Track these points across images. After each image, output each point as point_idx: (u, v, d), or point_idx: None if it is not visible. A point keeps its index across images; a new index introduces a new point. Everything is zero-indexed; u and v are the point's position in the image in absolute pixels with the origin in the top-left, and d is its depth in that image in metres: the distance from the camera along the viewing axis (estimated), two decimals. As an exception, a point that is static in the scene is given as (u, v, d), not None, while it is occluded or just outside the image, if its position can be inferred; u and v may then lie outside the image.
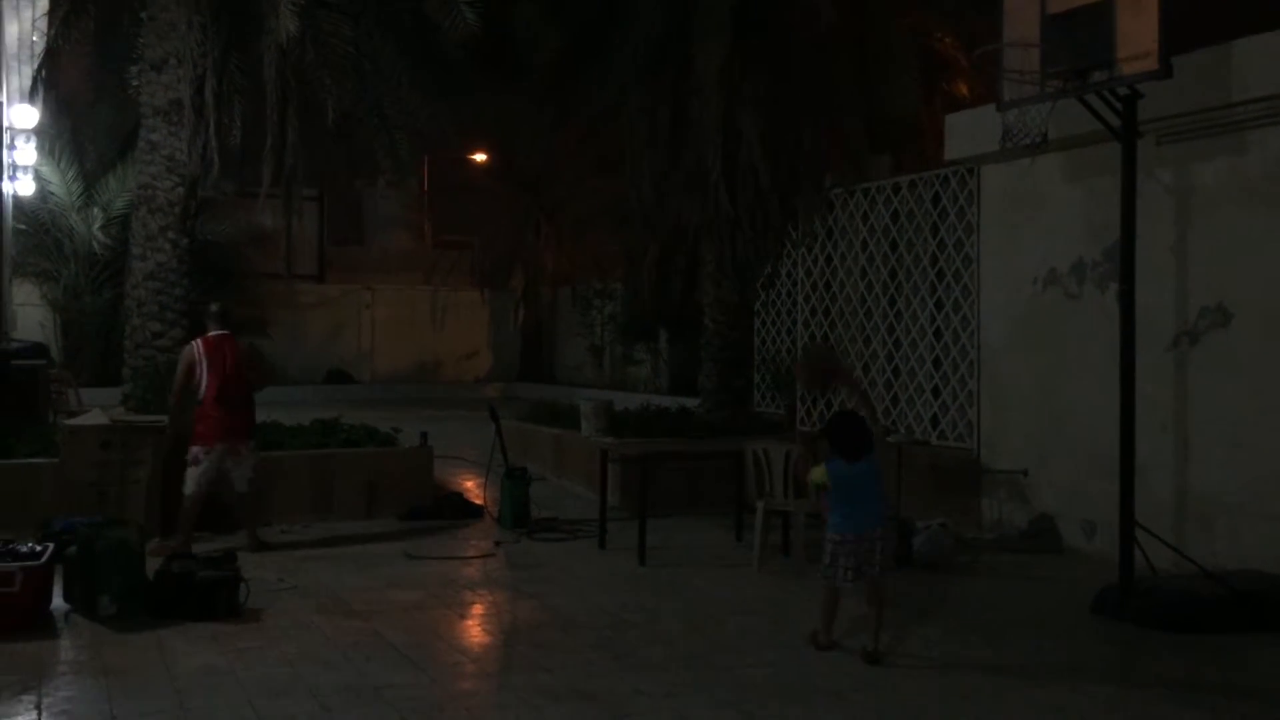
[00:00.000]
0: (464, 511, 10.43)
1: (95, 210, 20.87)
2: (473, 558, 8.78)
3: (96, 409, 10.58)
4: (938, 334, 10.94)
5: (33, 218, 19.90)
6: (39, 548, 6.66)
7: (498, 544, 9.19)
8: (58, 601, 6.73)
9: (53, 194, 20.35)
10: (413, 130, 13.76)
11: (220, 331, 8.75)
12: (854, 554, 6.15)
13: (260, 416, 10.60)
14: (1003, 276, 10.06)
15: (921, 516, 9.08)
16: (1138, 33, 6.91)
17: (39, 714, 5.03)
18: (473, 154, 28.14)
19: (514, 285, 28.00)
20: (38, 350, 12.04)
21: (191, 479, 8.41)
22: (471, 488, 11.62)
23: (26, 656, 5.86)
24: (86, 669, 5.72)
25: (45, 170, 19.31)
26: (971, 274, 10.45)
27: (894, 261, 11.59)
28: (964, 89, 17.17)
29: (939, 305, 10.96)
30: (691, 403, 14.35)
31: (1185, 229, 8.37)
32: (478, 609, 7.31)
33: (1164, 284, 8.34)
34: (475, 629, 6.94)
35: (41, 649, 6.04)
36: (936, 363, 10.93)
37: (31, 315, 20.51)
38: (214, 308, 8.95)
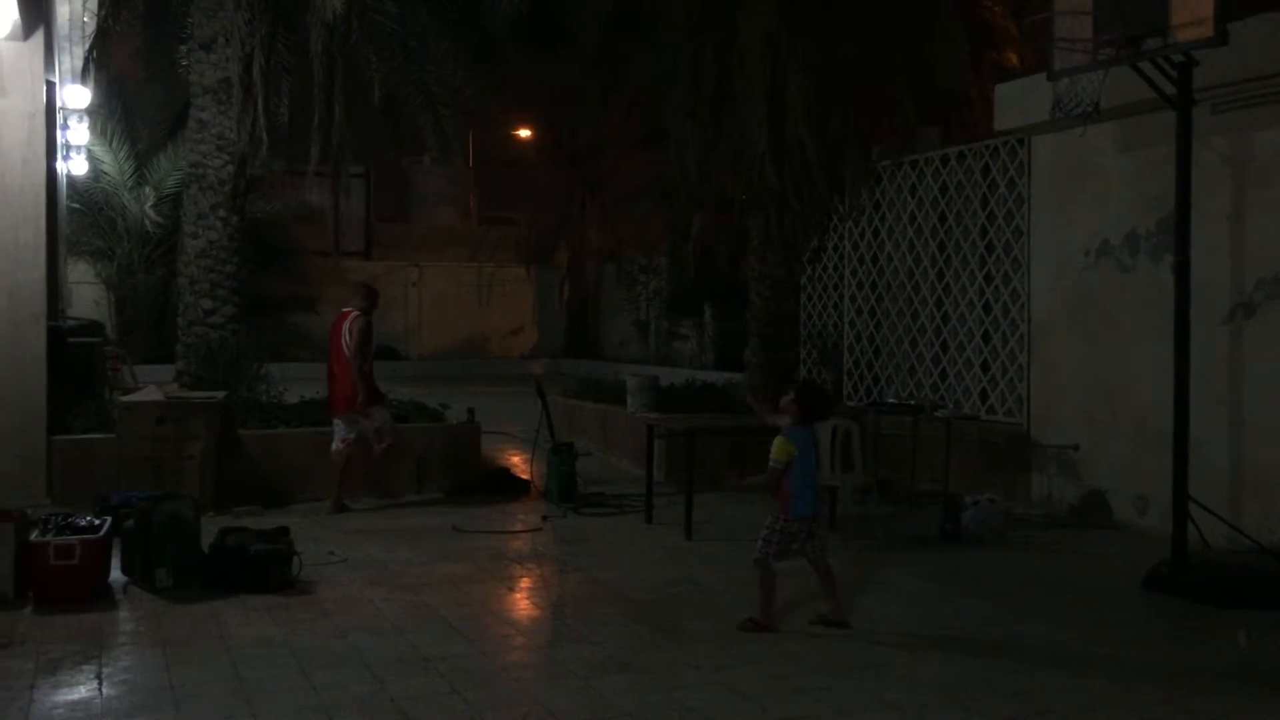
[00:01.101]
0: (511, 487, 10.51)
1: (147, 189, 21.12)
2: (520, 532, 8.84)
3: (151, 385, 10.75)
4: (987, 308, 10.82)
5: (86, 197, 20.17)
6: (97, 521, 6.79)
7: (545, 519, 9.25)
8: (116, 574, 6.88)
9: (105, 173, 20.61)
10: (458, 107, 13.82)
11: (346, 308, 9.56)
12: (801, 536, 6.08)
13: (308, 393, 10.75)
14: (1054, 249, 9.93)
15: (970, 492, 9.03)
16: (1193, -1, 6.76)
17: (99, 683, 5.14)
18: (517, 130, 28.19)
19: (559, 261, 28.06)
20: (93, 328, 12.24)
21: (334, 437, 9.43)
22: (518, 463, 11.70)
23: (87, 627, 6.00)
24: (145, 639, 5.83)
25: (98, 150, 19.55)
26: (1022, 246, 10.33)
27: (942, 234, 11.47)
28: (1014, 58, 16.90)
29: (988, 278, 10.84)
30: (737, 377, 14.33)
31: (1241, 199, 8.21)
32: (525, 582, 7.37)
33: (1219, 255, 8.20)
34: (523, 602, 6.99)
35: (101, 620, 6.17)
36: (986, 337, 10.82)
37: (86, 293, 20.83)
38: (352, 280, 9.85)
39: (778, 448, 6.08)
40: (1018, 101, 9.98)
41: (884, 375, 12.27)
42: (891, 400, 11.00)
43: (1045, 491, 9.75)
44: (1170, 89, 7.13)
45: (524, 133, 28.38)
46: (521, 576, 7.48)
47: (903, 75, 11.77)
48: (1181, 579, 6.90)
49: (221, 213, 11.69)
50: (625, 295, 26.65)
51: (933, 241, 11.59)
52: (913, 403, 10.35)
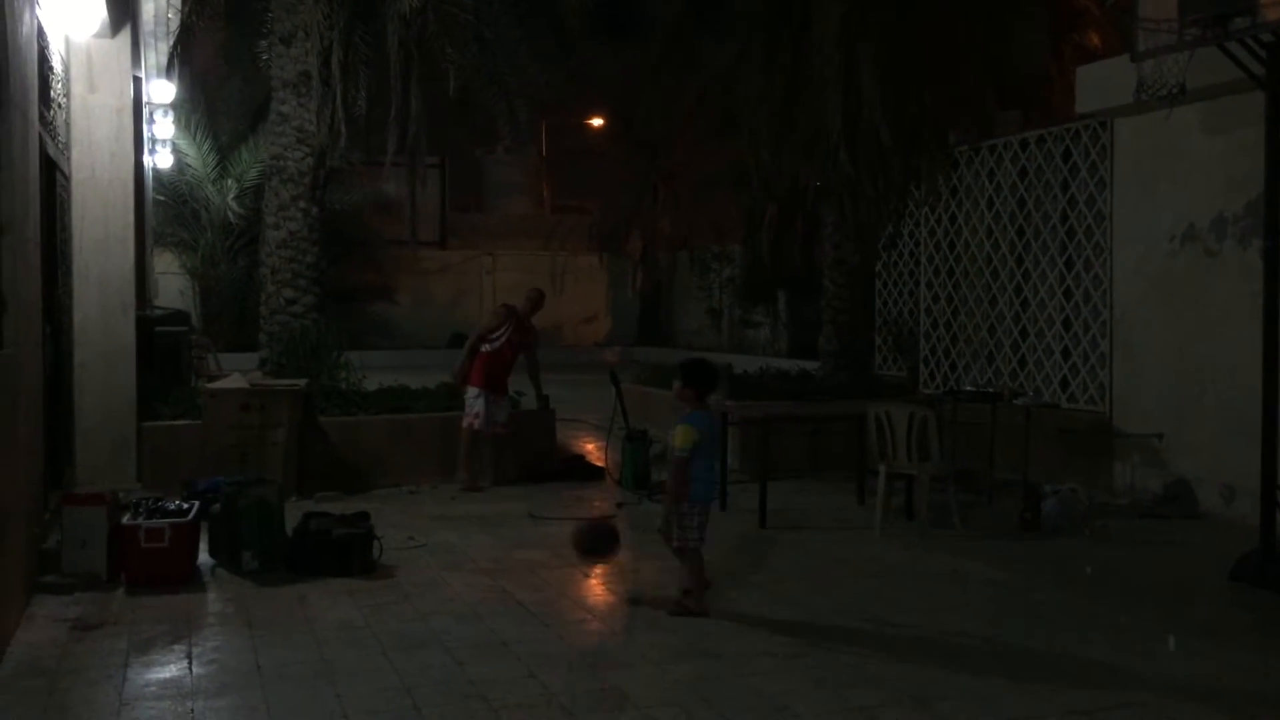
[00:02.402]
0: (585, 473, 10.58)
1: (229, 181, 21.58)
2: (595, 519, 8.89)
3: (235, 373, 11.00)
4: (1068, 294, 10.64)
5: (171, 189, 20.69)
6: (185, 505, 6.98)
7: (619, 505, 9.30)
8: (203, 557, 7.06)
9: (189, 166, 21.10)
10: (531, 97, 13.88)
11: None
12: (701, 520, 6.08)
13: (387, 380, 10.96)
14: (1137, 233, 9.73)
15: (1050, 481, 8.89)
16: (1285, -25, 6.56)
17: (189, 662, 5.29)
18: (590, 119, 28.27)
19: (632, 249, 28.11)
20: (179, 317, 12.51)
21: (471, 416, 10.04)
22: (592, 450, 11.77)
23: (176, 608, 6.17)
24: (232, 620, 5.99)
25: (182, 143, 20.03)
26: (1104, 231, 10.13)
27: (1022, 220, 11.29)
28: (1095, 39, 16.54)
29: (1069, 264, 10.65)
30: (811, 366, 14.25)
31: (1336, 181, 7.95)
32: (601, 569, 7.40)
33: (1312, 239, 7.95)
34: (599, 588, 7.04)
35: (190, 601, 6.35)
36: (1066, 324, 10.64)
37: (172, 283, 21.37)
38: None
39: (681, 435, 5.93)
40: (1100, 84, 9.77)
41: (961, 363, 12.12)
42: (969, 388, 10.85)
43: (1128, 481, 9.57)
44: (1259, 69, 6.93)
45: (596, 122, 28.45)
46: (597, 563, 7.53)
47: (981, 58, 11.58)
48: (1270, 570, 6.74)
49: (302, 204, 11.90)
50: (698, 283, 26.62)
51: (1011, 227, 11.42)
52: (991, 390, 10.21)
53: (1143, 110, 9.19)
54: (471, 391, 9.99)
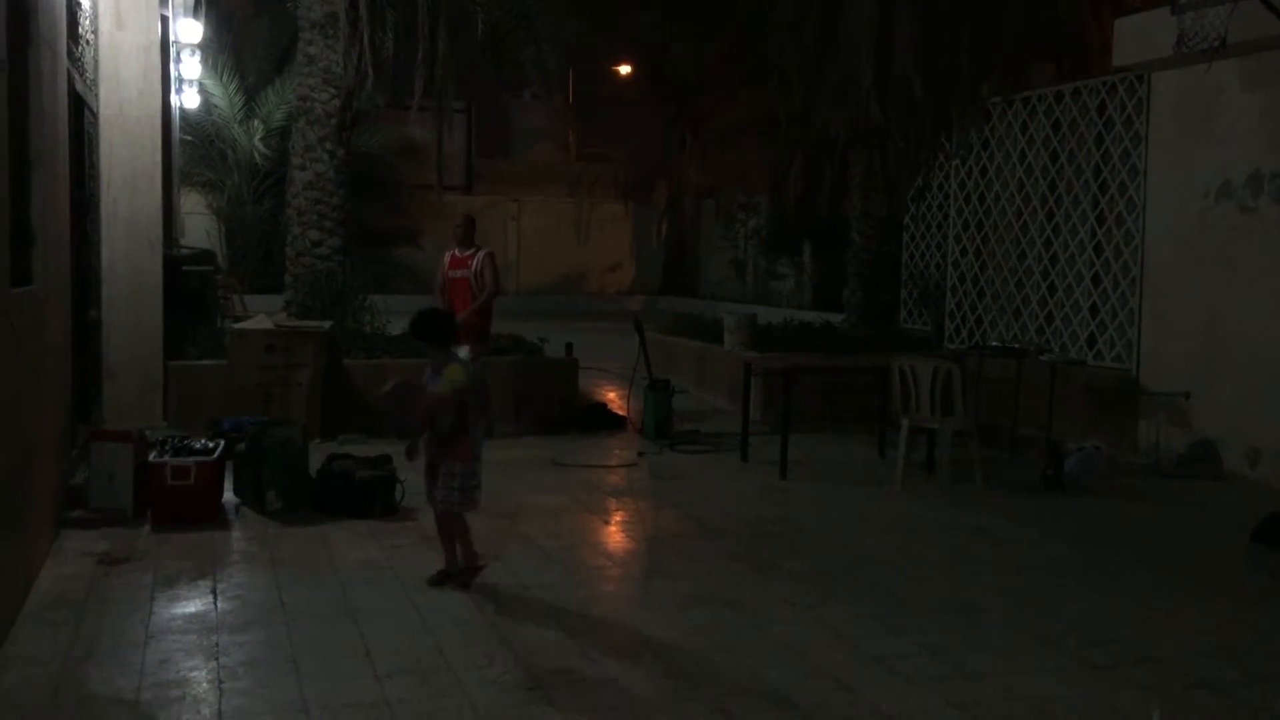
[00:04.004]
0: (608, 422, 10.60)
1: (256, 122, 21.52)
2: (616, 467, 8.93)
3: (261, 314, 11.03)
4: (1098, 250, 10.52)
5: (198, 130, 20.64)
6: (211, 444, 7.03)
7: (640, 454, 9.32)
8: (228, 496, 7.13)
9: (216, 106, 21.04)
10: (560, 42, 13.77)
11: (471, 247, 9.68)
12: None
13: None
14: (1171, 189, 9.59)
15: (1074, 438, 8.85)
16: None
17: (214, 598, 5.35)
18: (619, 66, 27.99)
19: (657, 198, 27.95)
20: (205, 257, 12.55)
21: None
22: (614, 399, 11.78)
23: (201, 545, 6.24)
24: (257, 558, 6.05)
25: (209, 84, 19.95)
26: (1137, 187, 9.99)
27: (1054, 174, 11.14)
28: (1134, -9, 16.21)
29: (1100, 220, 10.52)
30: (836, 318, 14.20)
31: (1378, 139, 7.82)
32: (621, 516, 7.45)
33: (1351, 198, 7.83)
34: (619, 535, 7.08)
35: (215, 539, 6.42)
36: (1095, 280, 10.53)
37: (198, 224, 21.40)
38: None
39: (456, 371, 5.39)
40: (1139, 36, 9.59)
41: (987, 318, 12.03)
42: (995, 343, 10.79)
43: (1153, 440, 9.51)
44: (1305, 22, 6.79)
45: (624, 69, 28.17)
46: (617, 510, 7.57)
47: (1017, 9, 11.39)
48: (1294, 533, 6.70)
49: (328, 145, 11.87)
50: (723, 233, 26.48)
51: (1043, 181, 11.27)
52: (1017, 346, 10.14)
53: (1181, 64, 9.02)
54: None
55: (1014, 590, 5.81)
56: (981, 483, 8.20)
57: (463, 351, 9.32)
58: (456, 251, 9.65)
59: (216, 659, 4.56)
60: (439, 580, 5.59)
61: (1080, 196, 10.77)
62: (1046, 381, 9.28)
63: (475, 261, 9.51)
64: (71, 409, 7.40)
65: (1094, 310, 10.52)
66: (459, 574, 5.60)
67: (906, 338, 12.42)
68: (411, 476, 7.52)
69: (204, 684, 4.31)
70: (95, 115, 8.85)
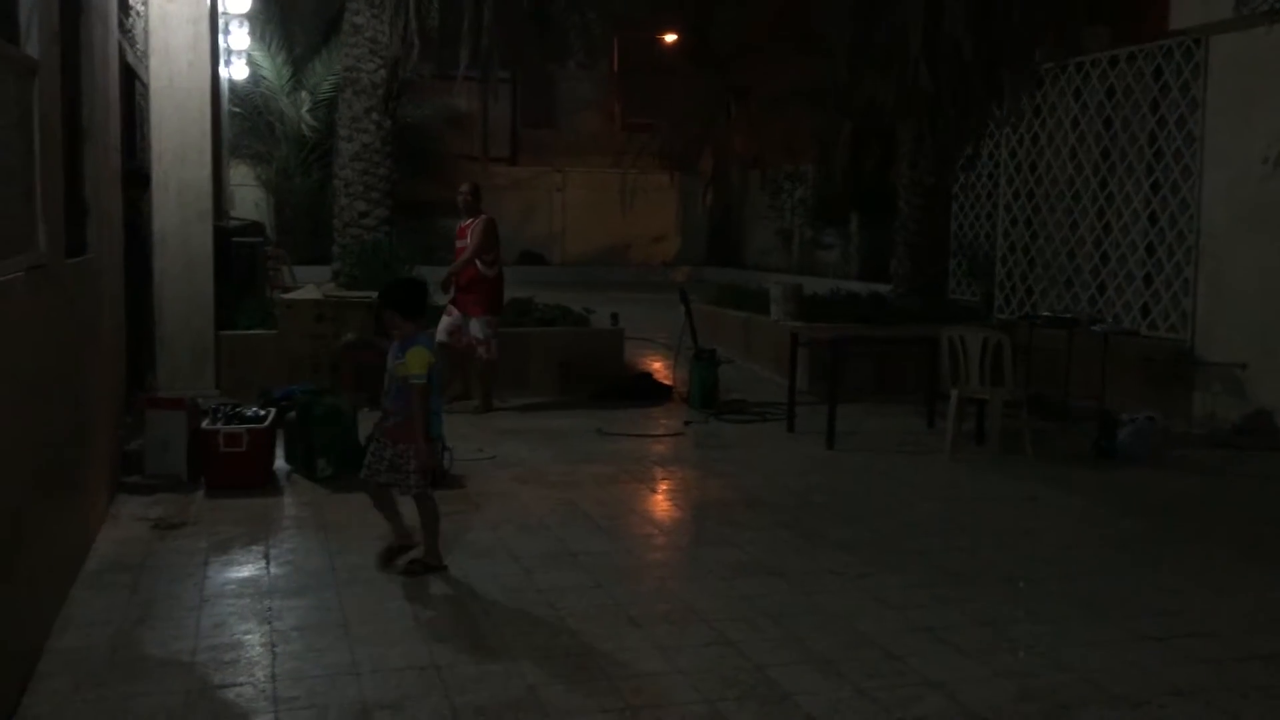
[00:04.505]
0: (653, 392, 10.60)
1: (303, 94, 21.64)
2: (662, 436, 8.93)
3: (310, 284, 11.13)
4: (1153, 218, 10.34)
5: (246, 101, 20.77)
6: (262, 412, 7.11)
7: (687, 424, 9.31)
8: (280, 463, 7.22)
9: (264, 78, 21.16)
10: (606, 10, 13.66)
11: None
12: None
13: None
14: (1229, 156, 9.38)
15: (1127, 409, 8.73)
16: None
17: (267, 563, 5.42)
18: (663, 35, 27.79)
19: (703, 168, 27.79)
20: (255, 229, 12.67)
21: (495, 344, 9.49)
22: (660, 369, 11.77)
23: (254, 511, 6.33)
24: (308, 524, 6.13)
25: (257, 55, 20.06)
26: (1194, 153, 9.79)
27: (1107, 141, 10.94)
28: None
29: (1155, 187, 10.33)
30: (883, 288, 14.07)
31: None
32: (668, 485, 7.46)
33: None
34: (665, 504, 7.09)
35: (267, 505, 6.50)
36: (1150, 249, 10.36)
37: (247, 195, 21.58)
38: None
39: (417, 359, 5.11)
40: (1197, -2, 9.38)
41: (1038, 288, 11.87)
42: (1046, 313, 10.65)
43: (1208, 410, 9.36)
44: (1373, -19, 6.59)
45: (669, 37, 27.96)
46: (664, 479, 7.57)
47: (1070, -29, 11.15)
48: (1354, 505, 6.57)
49: (375, 116, 11.89)
50: (769, 203, 26.31)
51: (1096, 148, 11.08)
52: (1068, 316, 10.00)
53: (1241, 26, 8.82)
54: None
55: (1065, 561, 5.75)
56: (1032, 454, 8.12)
57: (474, 324, 9.36)
58: (462, 221, 9.68)
59: (269, 623, 4.63)
60: (389, 558, 5.31)
61: (1134, 164, 10.58)
62: (1098, 352, 9.15)
63: (473, 230, 9.50)
64: (126, 378, 7.51)
65: (1148, 280, 10.35)
66: (419, 561, 5.30)
67: (955, 308, 12.29)
68: (459, 445, 7.61)
69: (257, 647, 4.37)
70: (146, 87, 8.93)
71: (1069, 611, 4.95)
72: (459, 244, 9.62)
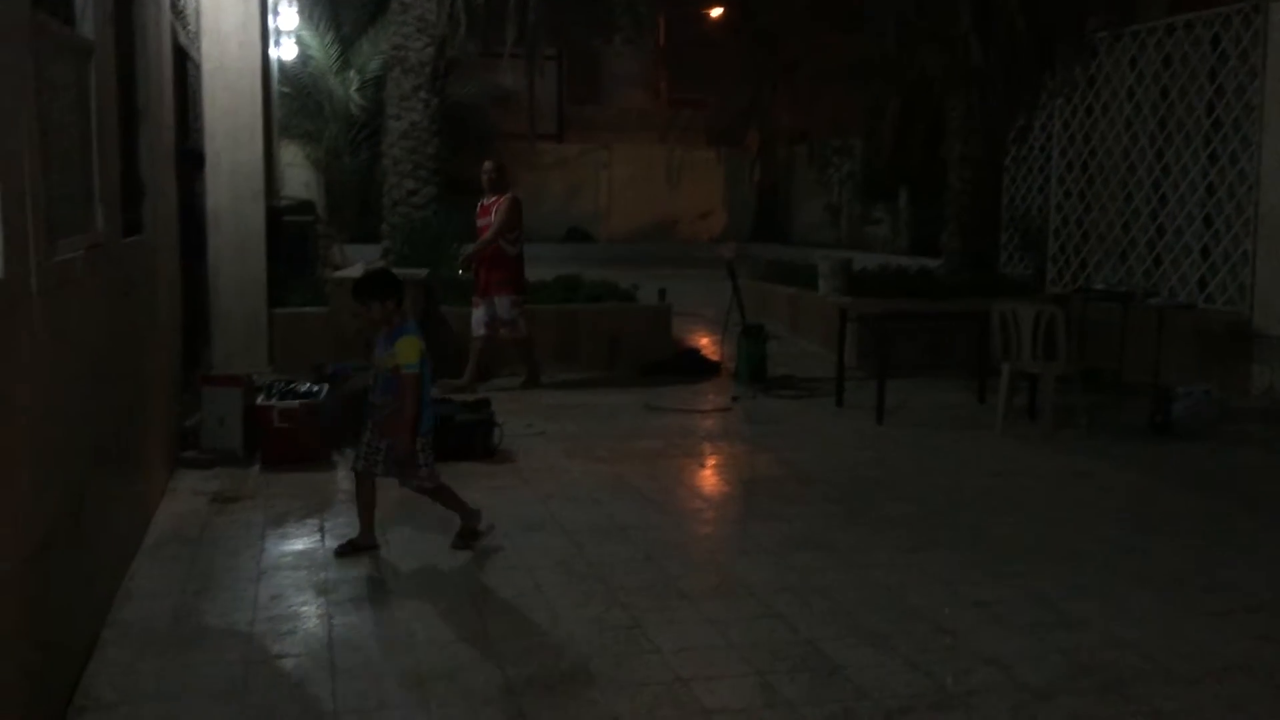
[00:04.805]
0: (701, 367, 10.59)
1: (351, 73, 21.74)
2: (710, 411, 8.93)
3: (360, 262, 11.22)
4: (1210, 190, 10.14)
5: (295, 81, 20.89)
6: (315, 388, 7.20)
7: (735, 399, 9.30)
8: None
9: (312, 58, 21.28)
10: (650, -16, 13.59)
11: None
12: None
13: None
14: (1290, 125, 9.18)
15: (1183, 383, 8.59)
16: None
17: (322, 536, 5.51)
18: (709, 9, 27.60)
19: (749, 143, 27.59)
20: (305, 207, 12.75)
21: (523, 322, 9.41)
22: (707, 344, 11.76)
23: (308, 485, 6.42)
24: (360, 499, 6.19)
25: (305, 35, 20.18)
26: (1253, 124, 9.58)
27: (1163, 111, 10.74)
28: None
29: (1213, 158, 10.13)
30: (933, 263, 13.95)
31: None
32: (716, 459, 7.46)
33: None
34: (714, 478, 7.10)
35: (321, 479, 6.59)
36: (1207, 221, 10.17)
37: (297, 175, 21.74)
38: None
39: (409, 348, 4.99)
40: (1257, -37, 9.16)
41: (1092, 261, 11.71)
42: (1100, 287, 10.50)
43: (1266, 384, 9.20)
44: None
45: (715, 12, 27.76)
46: (713, 454, 7.58)
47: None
48: None
49: (423, 94, 11.96)
50: (816, 178, 26.10)
51: (1152, 119, 10.88)
52: (1123, 289, 9.86)
53: (1304, -9, 8.60)
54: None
55: (1119, 536, 5.69)
56: (1086, 428, 8.03)
57: (500, 303, 9.26)
58: (485, 200, 9.56)
59: (325, 594, 4.70)
60: (347, 550, 5.18)
61: (1191, 134, 10.38)
62: (1153, 325, 9.02)
63: (498, 208, 9.37)
64: (183, 355, 7.63)
65: (1205, 252, 10.17)
66: (463, 535, 5.31)
67: (1006, 283, 12.15)
68: (509, 420, 7.66)
69: (314, 618, 4.44)
70: (198, 67, 9.02)
71: (1123, 586, 4.91)
72: (481, 222, 9.50)
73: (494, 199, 9.51)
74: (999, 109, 11.92)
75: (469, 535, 5.35)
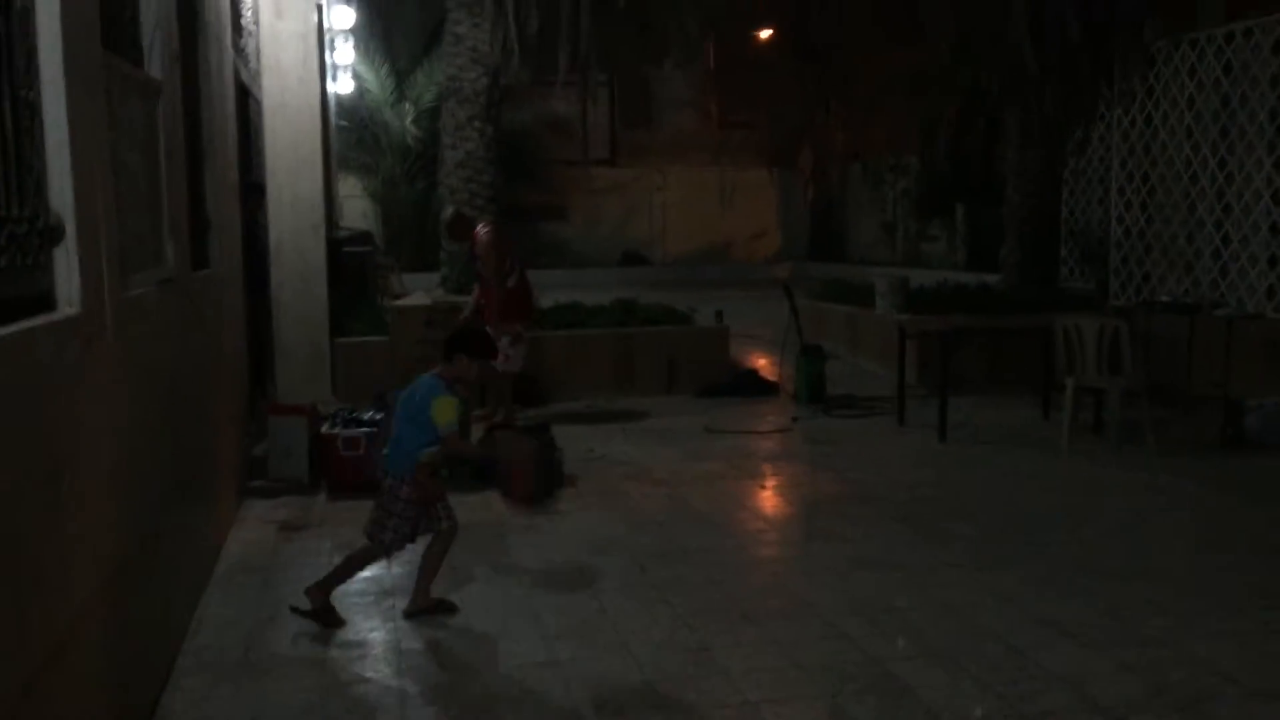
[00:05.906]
0: (760, 388, 10.57)
1: (406, 105, 22.07)
2: (770, 432, 8.90)
3: (419, 291, 11.36)
4: (1275, 198, 9.95)
5: (352, 114, 21.27)
6: (379, 416, 7.28)
7: (794, 419, 9.26)
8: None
9: (368, 91, 21.65)
10: (701, 8, 13.64)
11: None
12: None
13: (562, 299, 11.09)
14: (1357, 129, 8.99)
15: (1253, 395, 8.41)
16: None
17: (388, 562, 5.54)
18: (759, 30, 27.65)
19: (802, 163, 27.56)
20: (364, 238, 12.97)
21: (520, 356, 8.79)
22: (765, 365, 11.73)
23: (373, 512, 6.47)
24: (425, 525, 6.24)
25: (361, 69, 20.54)
26: (1318, 129, 9.40)
27: (1225, 119, 10.56)
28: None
29: (1277, 166, 9.94)
30: (992, 278, 13.80)
31: None
32: (777, 480, 7.43)
33: None
34: (776, 499, 7.06)
35: (385, 506, 6.64)
36: (1274, 229, 9.97)
37: (355, 206, 22.09)
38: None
39: (449, 409, 4.79)
40: (1319, -34, 9.00)
41: (1155, 273, 11.52)
42: (1165, 299, 10.32)
43: (1340, 396, 8.96)
44: None
45: (765, 33, 27.81)
46: (773, 475, 7.55)
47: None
48: None
49: (477, 124, 12.08)
50: (871, 196, 26.02)
51: (1214, 127, 10.70)
52: (1189, 301, 9.69)
53: (1368, -7, 8.43)
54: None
55: (1191, 552, 5.58)
56: (1154, 443, 7.88)
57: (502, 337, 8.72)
58: (465, 243, 9.23)
59: (393, 620, 4.75)
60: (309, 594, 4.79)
61: (1255, 142, 10.19)
62: (1221, 337, 8.83)
63: (482, 249, 8.80)
64: (249, 385, 7.77)
65: (1273, 261, 9.97)
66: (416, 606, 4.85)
67: (1068, 296, 11.99)
68: (569, 444, 7.69)
69: (382, 645, 4.49)
70: (259, 103, 9.21)
71: (1197, 604, 4.81)
72: (478, 266, 9.00)
73: (472, 242, 8.96)
74: (1056, 120, 11.79)
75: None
